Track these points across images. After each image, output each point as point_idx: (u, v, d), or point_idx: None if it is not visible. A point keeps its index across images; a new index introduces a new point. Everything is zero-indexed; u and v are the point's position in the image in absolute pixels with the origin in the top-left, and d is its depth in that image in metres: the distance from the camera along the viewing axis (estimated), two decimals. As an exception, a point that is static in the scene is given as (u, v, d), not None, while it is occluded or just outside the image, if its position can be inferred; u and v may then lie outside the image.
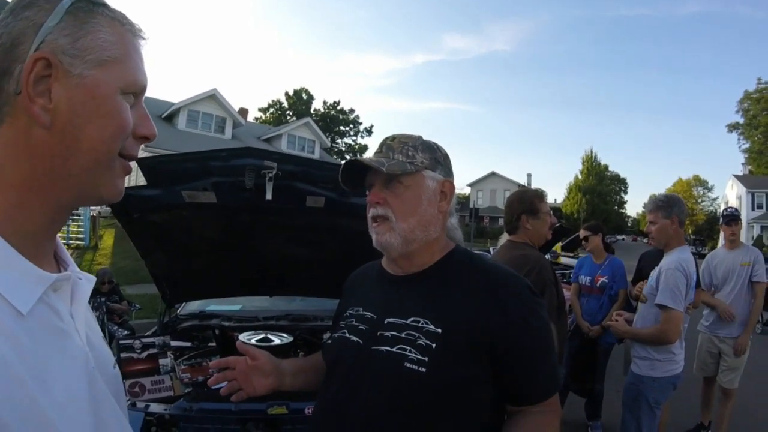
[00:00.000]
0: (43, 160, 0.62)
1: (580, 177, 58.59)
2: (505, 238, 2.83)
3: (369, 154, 1.35)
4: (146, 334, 2.76)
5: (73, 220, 16.04)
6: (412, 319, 1.16)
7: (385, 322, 1.20)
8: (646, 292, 2.93)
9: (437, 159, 1.27)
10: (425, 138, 1.31)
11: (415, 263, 1.26)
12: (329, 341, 1.35)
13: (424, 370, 1.09)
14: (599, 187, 58.27)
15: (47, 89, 0.60)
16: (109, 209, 2.58)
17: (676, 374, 2.85)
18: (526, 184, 52.34)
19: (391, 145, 1.26)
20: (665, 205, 2.87)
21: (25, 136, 0.61)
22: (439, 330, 1.12)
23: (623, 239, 56.91)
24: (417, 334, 1.13)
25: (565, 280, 6.01)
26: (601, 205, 57.10)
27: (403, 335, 1.15)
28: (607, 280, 4.39)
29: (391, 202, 1.22)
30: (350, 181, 1.30)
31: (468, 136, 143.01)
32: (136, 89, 0.68)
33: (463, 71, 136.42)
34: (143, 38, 0.71)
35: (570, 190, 58.23)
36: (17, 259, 0.59)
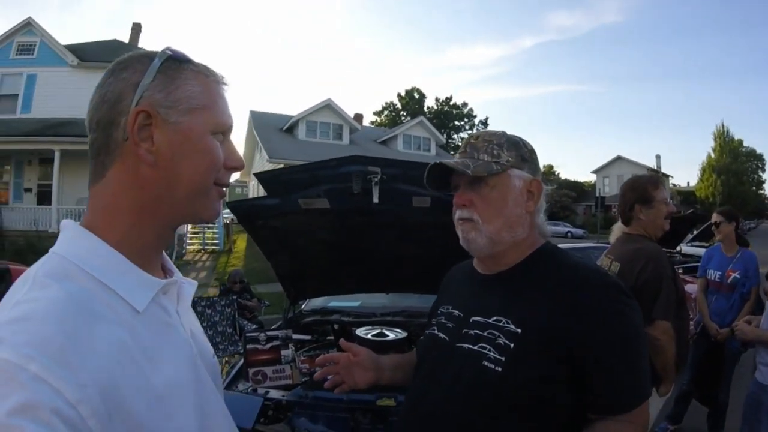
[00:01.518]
0: (151, 191, 0.76)
1: (713, 155, 51.84)
2: (617, 229, 2.72)
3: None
4: (271, 328, 3.02)
5: (209, 228, 17.83)
6: (495, 318, 1.17)
7: (471, 320, 1.22)
8: None
9: (523, 156, 1.24)
10: (510, 133, 1.28)
11: (502, 262, 1.25)
12: (422, 338, 1.41)
13: (500, 369, 1.10)
14: (734, 165, 50.91)
15: (149, 135, 0.74)
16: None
17: None
18: (655, 167, 48.39)
19: (475, 144, 1.25)
20: None
21: (134, 172, 0.75)
22: (519, 330, 1.12)
23: (755, 225, 47.90)
24: (498, 333, 1.14)
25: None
26: (737, 186, 49.82)
27: (485, 334, 1.16)
28: (739, 276, 3.88)
29: (477, 204, 1.21)
30: (435, 182, 1.31)
31: (588, 119, 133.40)
32: (223, 129, 0.81)
33: (575, 50, 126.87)
34: (226, 84, 0.83)
35: (703, 171, 51.78)
36: (134, 269, 0.75)
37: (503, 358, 1.11)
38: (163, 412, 0.68)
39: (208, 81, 0.80)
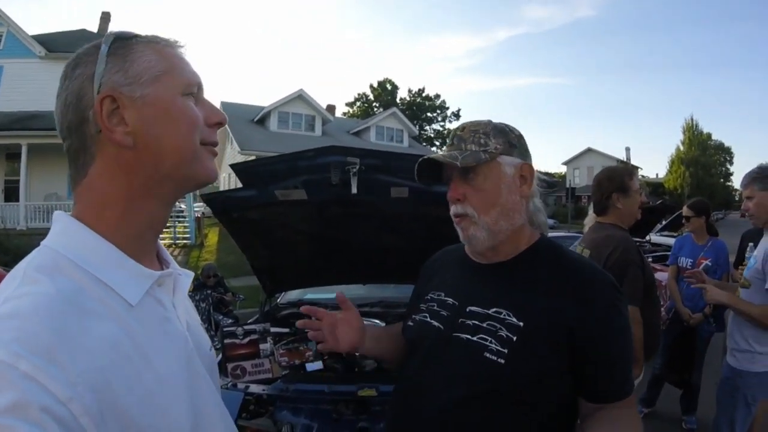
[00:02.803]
0: (138, 173, 0.74)
1: (681, 148, 53.08)
2: (591, 219, 2.74)
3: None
4: (248, 321, 2.98)
5: (179, 221, 17.47)
6: (494, 309, 1.16)
7: (467, 310, 1.20)
8: (749, 276, 2.55)
9: (511, 142, 1.22)
10: (495, 121, 1.27)
11: (500, 253, 1.24)
12: (410, 323, 1.36)
13: (503, 361, 1.09)
14: (702, 158, 52.44)
15: (121, 118, 0.72)
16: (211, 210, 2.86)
17: None
18: (624, 159, 49.26)
19: (461, 135, 1.23)
20: (761, 176, 2.54)
21: (116, 161, 0.73)
22: (521, 323, 1.11)
23: (722, 215, 49.19)
24: (498, 326, 1.13)
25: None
26: (706, 178, 51.36)
27: (484, 325, 1.15)
28: (710, 264, 4.00)
29: (471, 198, 1.20)
30: (428, 176, 1.30)
31: (560, 111, 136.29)
32: (192, 89, 0.79)
33: (549, 42, 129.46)
34: (180, 46, 0.81)
35: (672, 163, 52.97)
36: (127, 262, 0.73)
37: (506, 351, 1.10)
38: (156, 408, 0.67)
39: (160, 47, 0.78)
